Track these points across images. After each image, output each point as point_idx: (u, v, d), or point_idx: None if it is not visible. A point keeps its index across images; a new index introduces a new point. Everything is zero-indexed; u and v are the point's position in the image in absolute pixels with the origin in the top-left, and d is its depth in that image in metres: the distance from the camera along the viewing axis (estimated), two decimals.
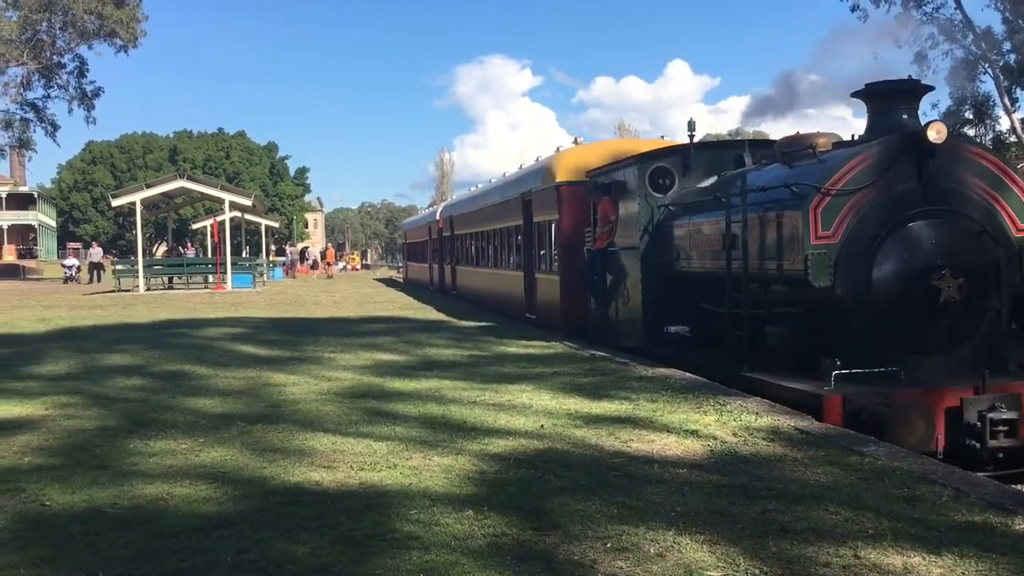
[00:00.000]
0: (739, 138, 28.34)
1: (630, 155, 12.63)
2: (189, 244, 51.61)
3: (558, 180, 15.36)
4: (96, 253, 48.83)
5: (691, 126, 11.87)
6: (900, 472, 5.45)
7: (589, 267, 13.18)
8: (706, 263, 10.18)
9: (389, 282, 44.51)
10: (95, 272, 45.50)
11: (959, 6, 36.29)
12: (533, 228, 17.44)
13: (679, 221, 10.90)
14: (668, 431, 6.73)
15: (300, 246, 73.38)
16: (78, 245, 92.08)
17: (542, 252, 16.94)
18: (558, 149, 18.23)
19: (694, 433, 6.63)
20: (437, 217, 31.68)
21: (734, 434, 6.61)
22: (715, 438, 6.47)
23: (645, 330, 11.32)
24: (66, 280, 47.17)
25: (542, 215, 16.66)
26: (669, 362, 10.13)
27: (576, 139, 18.20)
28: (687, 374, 9.48)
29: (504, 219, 20.11)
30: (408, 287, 36.88)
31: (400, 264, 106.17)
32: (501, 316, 18.89)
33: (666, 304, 10.97)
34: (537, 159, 19.35)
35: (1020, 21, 37.39)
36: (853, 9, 37.38)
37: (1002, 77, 37.48)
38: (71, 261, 50.44)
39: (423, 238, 36.31)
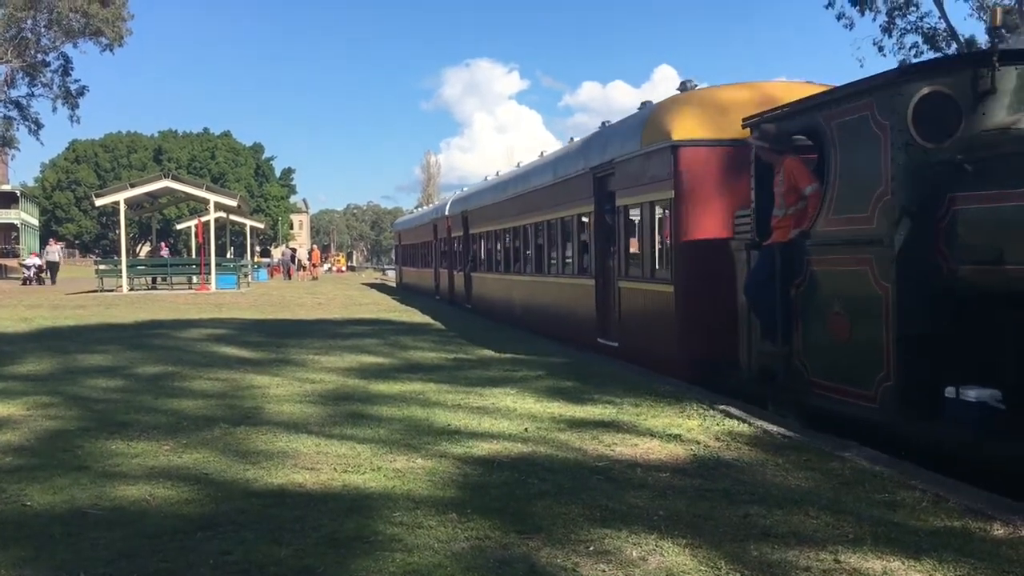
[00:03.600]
0: None
1: (833, 88, 7.85)
2: (163, 244, 50.52)
3: (676, 138, 10.15)
4: (53, 251, 45.53)
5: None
6: (881, 477, 5.49)
7: (760, 272, 8.10)
8: None
9: (381, 287, 40.68)
10: (50, 271, 43.17)
11: (943, 16, 36.60)
12: (617, 215, 12.18)
13: (987, 190, 6.10)
14: (651, 435, 6.76)
15: (290, 246, 73.15)
16: (60, 244, 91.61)
17: (633, 250, 11.79)
18: (641, 107, 12.47)
19: (677, 438, 6.66)
20: (445, 213, 26.98)
21: (717, 439, 6.64)
22: (698, 443, 6.50)
23: (899, 392, 6.43)
24: (25, 281, 43.20)
25: (636, 194, 11.33)
26: (976, 465, 5.78)
27: (687, 82, 11.33)
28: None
29: (557, 207, 15.10)
30: (404, 294, 32.43)
31: (385, 267, 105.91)
32: (547, 339, 14.56)
33: (948, 344, 6.29)
34: (602, 126, 14.02)
35: (1003, 30, 37.73)
36: (839, 18, 37.65)
37: None
38: (32, 260, 46.26)
39: (424, 239, 32.00)
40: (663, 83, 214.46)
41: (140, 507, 4.95)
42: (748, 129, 8.65)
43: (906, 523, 4.61)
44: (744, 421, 7.24)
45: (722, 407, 7.81)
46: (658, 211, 10.86)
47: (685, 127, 10.25)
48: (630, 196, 11.57)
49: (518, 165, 20.24)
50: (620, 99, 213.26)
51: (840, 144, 7.09)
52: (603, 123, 14.05)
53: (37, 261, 45.97)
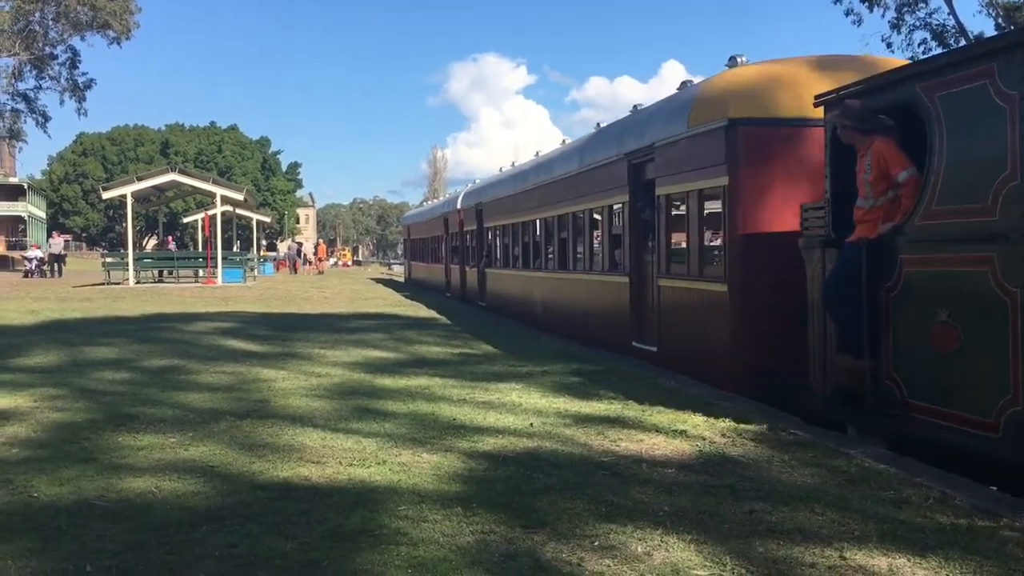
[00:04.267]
0: None
1: (936, 55, 7.10)
2: (170, 238, 50.41)
3: (733, 115, 8.88)
4: (57, 243, 44.54)
5: None
6: (887, 474, 5.48)
7: (840, 273, 6.91)
8: None
9: (388, 283, 39.19)
10: (55, 264, 42.52)
11: (952, 12, 36.44)
12: (656, 206, 10.70)
13: None
14: (657, 431, 6.75)
15: (297, 240, 73.21)
16: (63, 236, 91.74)
17: (676, 244, 10.47)
18: (681, 87, 11.15)
19: (683, 433, 6.65)
20: (457, 206, 25.72)
21: (722, 435, 6.63)
22: (703, 438, 6.49)
23: None
24: (27, 274, 42.31)
25: (681, 181, 9.99)
26: None
27: (736, 57, 9.81)
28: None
29: (584, 198, 13.78)
30: (413, 290, 31.23)
31: (391, 261, 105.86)
32: (574, 342, 13.25)
33: None
34: (633, 110, 12.86)
35: (1011, 27, 37.58)
36: (847, 13, 37.50)
37: None
38: (33, 252, 45.00)
39: (435, 233, 30.77)
40: (671, 79, 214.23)
41: (146, 499, 4.96)
42: (821, 107, 7.49)
43: (912, 520, 4.60)
44: (749, 418, 7.23)
45: (728, 404, 7.80)
46: (709, 201, 9.52)
47: (743, 104, 8.85)
48: (673, 184, 10.21)
49: (536, 155, 18.91)
50: (627, 95, 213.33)
51: (948, 120, 5.95)
52: (634, 107, 12.97)
53: (39, 253, 45.14)
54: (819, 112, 7.59)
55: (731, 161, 8.88)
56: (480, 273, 22.70)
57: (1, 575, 3.83)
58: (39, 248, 47.48)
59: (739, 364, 8.79)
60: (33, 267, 43.00)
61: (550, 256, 16.12)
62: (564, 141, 17.20)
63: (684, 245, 10.12)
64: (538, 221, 16.90)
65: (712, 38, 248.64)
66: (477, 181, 26.89)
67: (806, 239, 7.74)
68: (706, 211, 9.64)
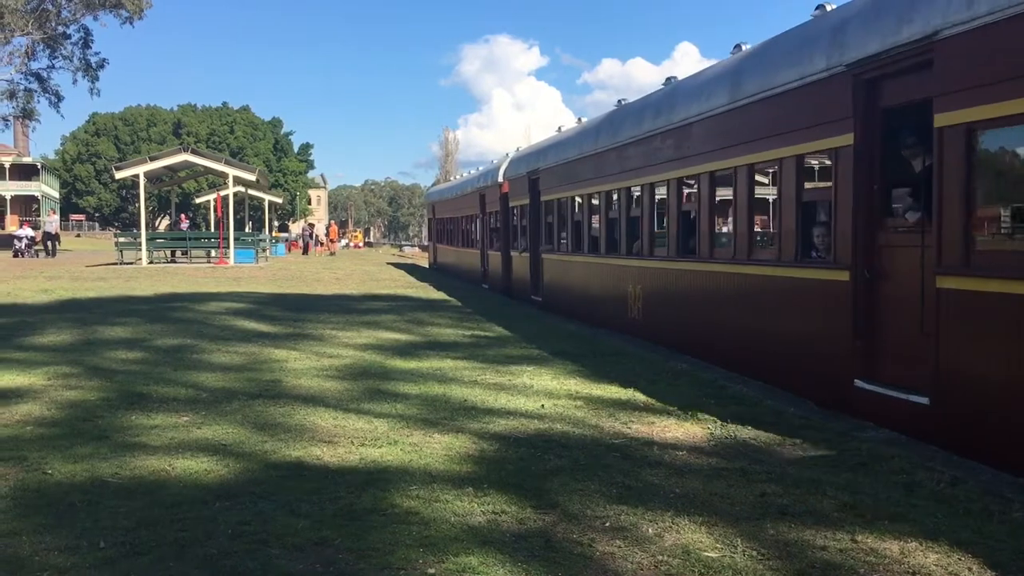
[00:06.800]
0: None
1: None
2: (183, 216, 50.19)
3: None
4: (51, 222, 42.76)
5: None
6: (898, 458, 5.46)
7: None
8: None
9: (409, 268, 33.76)
10: (49, 244, 40.99)
11: None
12: (940, 146, 6.20)
13: None
14: (668, 414, 6.75)
15: (309, 222, 73.36)
16: (81, 217, 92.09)
17: (988, 215, 6.04)
18: None
19: (693, 416, 6.65)
20: (499, 179, 21.32)
21: (734, 418, 6.62)
22: (715, 421, 6.48)
23: None
24: (16, 254, 39.80)
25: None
26: None
27: None
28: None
29: (738, 148, 9.14)
30: (439, 278, 26.78)
31: (403, 243, 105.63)
32: (714, 369, 9.17)
33: None
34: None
35: None
36: None
37: None
38: (24, 231, 42.26)
39: (467, 212, 26.43)
40: (684, 60, 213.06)
41: (159, 477, 5.00)
42: None
43: (923, 504, 4.59)
44: (761, 401, 7.22)
45: (739, 386, 7.79)
46: None
47: None
48: (996, 102, 5.65)
49: (618, 103, 14.18)
50: (640, 76, 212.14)
51: None
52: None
53: (30, 232, 42.49)
54: None
55: None
56: (534, 260, 18.24)
57: (16, 551, 3.87)
58: (31, 227, 44.34)
59: None
60: (23, 247, 40.52)
61: (662, 237, 11.68)
62: (670, 80, 12.13)
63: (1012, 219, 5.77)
64: (640, 188, 12.26)
65: (725, 20, 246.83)
66: (521, 148, 22.45)
67: None
68: None
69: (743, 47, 9.84)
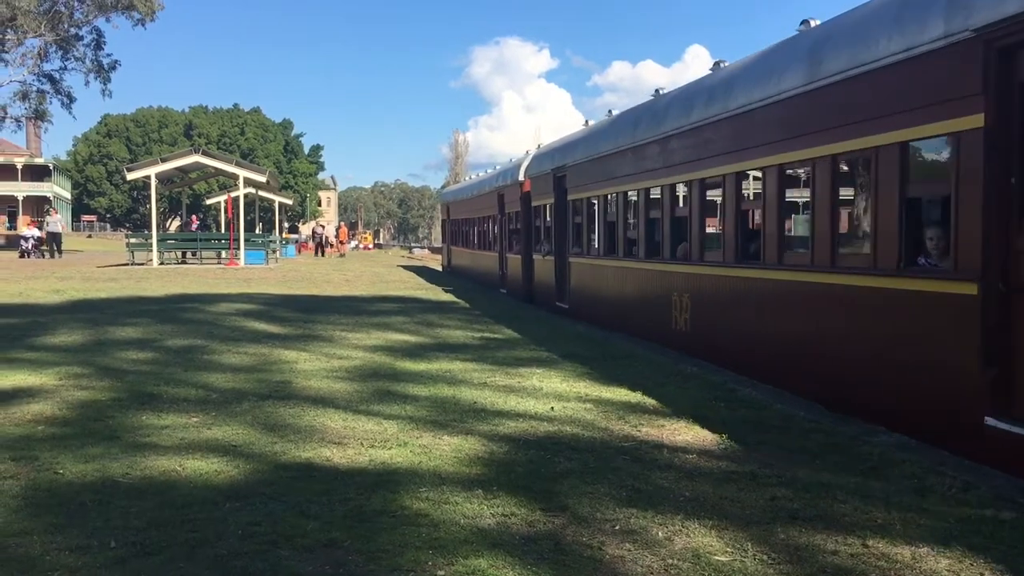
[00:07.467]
0: None
1: None
2: (194, 217, 49.84)
3: None
4: (54, 222, 41.65)
5: None
6: (910, 463, 5.44)
7: None
8: None
9: (421, 271, 32.49)
10: (53, 244, 40.16)
11: None
12: None
13: None
14: (678, 417, 6.73)
15: (320, 224, 73.50)
16: (92, 217, 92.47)
17: None
18: None
19: (704, 419, 6.62)
20: (520, 177, 20.13)
21: (744, 421, 6.60)
22: (725, 424, 6.46)
23: None
24: (23, 254, 39.44)
25: None
26: None
27: None
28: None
29: (816, 136, 7.78)
30: (454, 281, 26.11)
31: (412, 245, 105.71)
32: (796, 402, 7.57)
33: None
34: None
35: None
36: None
37: None
38: (31, 231, 41.77)
39: (485, 212, 25.37)
40: (695, 63, 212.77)
41: (170, 477, 5.01)
42: None
43: (935, 509, 4.56)
44: (771, 405, 7.19)
45: (749, 390, 7.76)
46: None
47: None
48: None
49: (656, 93, 12.95)
50: (650, 79, 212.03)
51: None
52: None
53: (37, 232, 42.00)
54: None
55: None
56: (559, 264, 16.88)
57: (27, 550, 3.88)
58: (38, 227, 43.77)
59: None
60: (30, 247, 40.15)
61: (715, 239, 10.33)
62: (719, 64, 10.84)
63: None
64: (687, 184, 10.84)
65: (736, 22, 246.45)
66: (542, 145, 21.02)
67: None
68: None
69: (811, 23, 8.55)
